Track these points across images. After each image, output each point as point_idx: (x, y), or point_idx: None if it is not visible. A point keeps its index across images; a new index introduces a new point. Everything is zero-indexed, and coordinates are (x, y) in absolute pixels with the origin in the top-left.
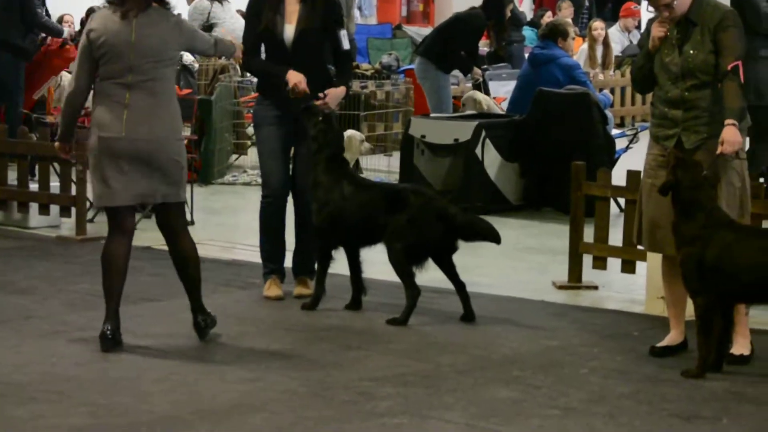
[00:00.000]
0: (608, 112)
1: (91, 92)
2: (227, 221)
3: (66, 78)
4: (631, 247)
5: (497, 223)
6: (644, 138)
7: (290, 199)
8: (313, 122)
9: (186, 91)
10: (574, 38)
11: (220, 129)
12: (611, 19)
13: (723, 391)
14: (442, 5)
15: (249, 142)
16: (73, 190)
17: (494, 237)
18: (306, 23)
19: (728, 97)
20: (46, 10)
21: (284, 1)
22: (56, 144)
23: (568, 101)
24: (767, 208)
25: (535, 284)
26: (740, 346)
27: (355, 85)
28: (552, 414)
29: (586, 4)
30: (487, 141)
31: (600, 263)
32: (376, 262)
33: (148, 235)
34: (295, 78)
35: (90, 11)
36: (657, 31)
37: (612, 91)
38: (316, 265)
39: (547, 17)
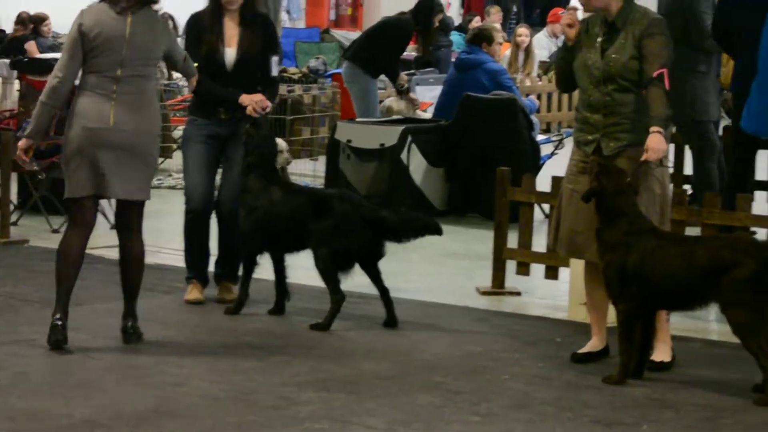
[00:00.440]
0: (534, 118)
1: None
2: (151, 225)
3: None
4: (554, 253)
5: None
6: (569, 144)
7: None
8: (243, 128)
9: None
10: (501, 43)
11: None
12: (539, 24)
13: (644, 398)
14: (370, 10)
15: (174, 146)
16: None
17: (435, 229)
18: (248, 48)
19: (654, 104)
20: None
21: (224, 25)
22: (21, 142)
23: (494, 107)
24: (690, 215)
25: (459, 290)
26: (661, 353)
27: (282, 89)
28: (473, 420)
29: (514, 9)
30: (413, 146)
31: (523, 269)
32: (300, 266)
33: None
34: (249, 100)
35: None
36: (565, 19)
37: (538, 97)
38: (240, 271)
39: (476, 22)
